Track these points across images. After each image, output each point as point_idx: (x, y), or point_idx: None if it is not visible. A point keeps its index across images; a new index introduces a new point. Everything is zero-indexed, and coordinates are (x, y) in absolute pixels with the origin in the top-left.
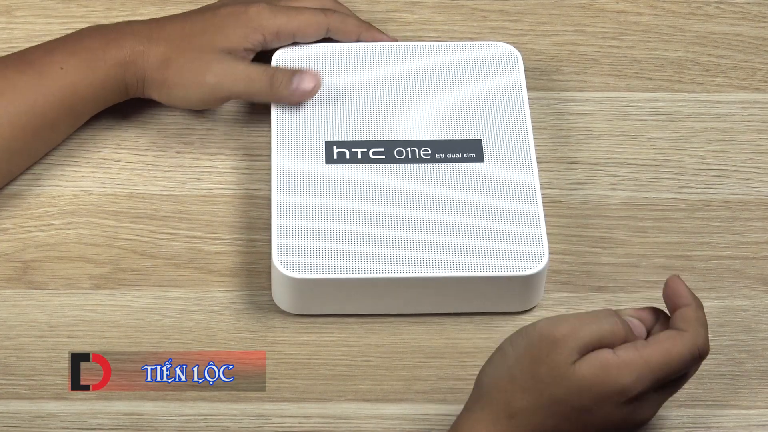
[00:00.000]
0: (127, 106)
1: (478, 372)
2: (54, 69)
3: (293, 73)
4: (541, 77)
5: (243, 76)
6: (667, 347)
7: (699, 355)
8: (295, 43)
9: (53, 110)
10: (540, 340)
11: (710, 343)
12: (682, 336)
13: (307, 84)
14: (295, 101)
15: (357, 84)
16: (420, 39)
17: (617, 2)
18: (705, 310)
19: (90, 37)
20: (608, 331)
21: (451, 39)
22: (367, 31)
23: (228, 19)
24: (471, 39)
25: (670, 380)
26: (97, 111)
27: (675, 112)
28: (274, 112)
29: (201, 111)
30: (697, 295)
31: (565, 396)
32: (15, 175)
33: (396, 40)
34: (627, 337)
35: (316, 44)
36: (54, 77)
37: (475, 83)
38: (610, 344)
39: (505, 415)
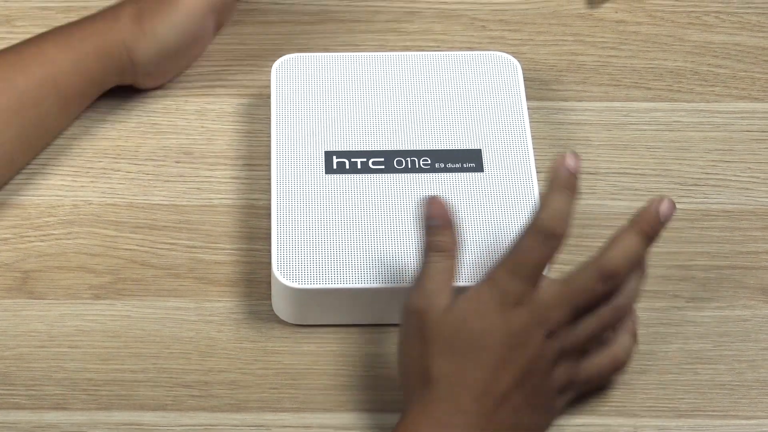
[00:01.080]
0: (127, 116)
1: None
2: (32, 49)
3: None
4: (540, 87)
5: None
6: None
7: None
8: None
9: (35, 88)
10: (410, 318)
11: (711, 353)
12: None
13: None
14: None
15: (357, 94)
16: (420, 48)
17: (616, 12)
18: (705, 320)
19: (69, 24)
20: (440, 263)
21: (451, 49)
22: None
23: None
24: (470, 48)
25: (539, 273)
26: (89, 93)
27: (674, 121)
28: (274, 123)
29: (201, 119)
30: (696, 304)
31: (455, 330)
32: (10, 168)
33: None
34: (447, 244)
35: (316, 54)
36: (33, 56)
37: (475, 93)
38: (449, 268)
39: (431, 390)
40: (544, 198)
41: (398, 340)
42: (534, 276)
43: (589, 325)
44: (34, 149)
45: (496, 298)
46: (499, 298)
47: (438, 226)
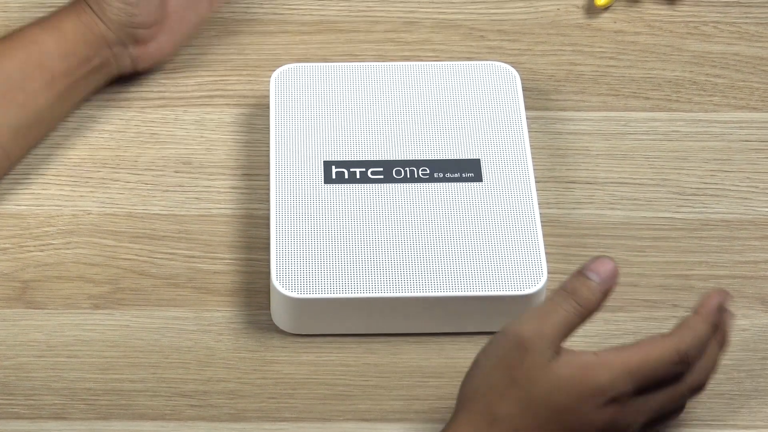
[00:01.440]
0: (127, 126)
1: None
2: (14, 37)
3: None
4: (539, 97)
5: None
6: (646, 348)
7: (680, 360)
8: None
9: (19, 68)
10: (510, 346)
11: None
12: (664, 338)
13: None
14: None
15: (356, 104)
16: (418, 59)
17: (615, 22)
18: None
19: (50, 12)
20: (571, 313)
21: (450, 59)
22: None
23: None
24: (469, 58)
25: (654, 385)
26: (77, 72)
27: (673, 131)
28: (274, 132)
29: (200, 129)
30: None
31: (545, 395)
32: (9, 162)
33: None
34: (590, 303)
35: (315, 64)
36: (17, 39)
37: (474, 103)
38: (575, 324)
39: (486, 421)
40: (692, 321)
41: (483, 353)
42: (645, 388)
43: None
44: (28, 139)
45: (599, 385)
46: (601, 389)
47: (593, 281)
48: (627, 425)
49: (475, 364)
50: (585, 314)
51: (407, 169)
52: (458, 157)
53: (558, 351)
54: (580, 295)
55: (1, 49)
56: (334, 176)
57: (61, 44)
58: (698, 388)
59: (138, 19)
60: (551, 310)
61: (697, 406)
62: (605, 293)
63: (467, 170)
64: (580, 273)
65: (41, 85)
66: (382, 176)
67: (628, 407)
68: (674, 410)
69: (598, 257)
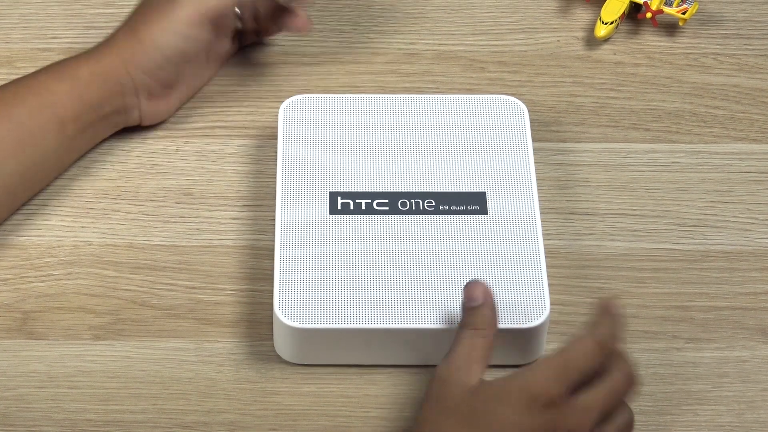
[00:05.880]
0: (128, 157)
1: None
2: (29, 81)
3: None
4: (539, 128)
5: None
6: (565, 347)
7: (599, 349)
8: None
9: (35, 118)
10: (434, 385)
11: (708, 395)
12: (579, 335)
13: None
14: None
15: (363, 135)
16: (419, 90)
17: (615, 54)
18: (704, 361)
19: (64, 59)
20: (472, 337)
21: (450, 90)
22: None
23: None
24: (470, 90)
25: (583, 380)
26: (87, 119)
27: (673, 162)
28: (280, 162)
29: (201, 160)
30: (696, 345)
31: (480, 411)
32: (12, 203)
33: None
34: (483, 324)
35: (322, 96)
36: (30, 87)
37: (481, 136)
38: (481, 345)
39: None
40: (599, 317)
41: (423, 402)
42: (576, 384)
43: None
44: (35, 183)
45: (530, 392)
46: (534, 395)
47: (478, 306)
48: (573, 427)
49: (417, 416)
50: (484, 333)
51: (413, 201)
52: (464, 190)
53: (479, 378)
54: (472, 322)
55: (16, 97)
56: (339, 207)
57: (77, 94)
58: (632, 382)
59: (163, 74)
60: (455, 344)
61: None
62: (490, 307)
63: (473, 203)
64: (464, 308)
65: (51, 133)
66: (387, 208)
67: (567, 409)
68: (621, 414)
69: (466, 285)
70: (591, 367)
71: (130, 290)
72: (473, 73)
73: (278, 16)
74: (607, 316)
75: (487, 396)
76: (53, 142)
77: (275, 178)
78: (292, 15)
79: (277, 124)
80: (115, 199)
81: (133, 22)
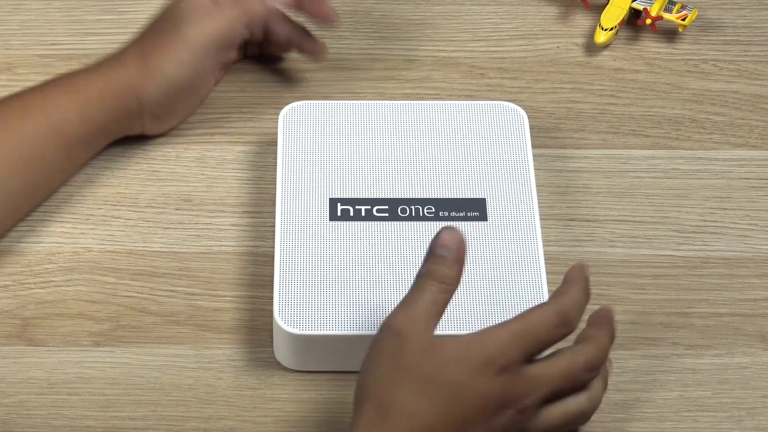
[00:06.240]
0: (128, 164)
1: None
2: (37, 96)
3: None
4: (539, 134)
5: (218, 18)
6: (527, 315)
7: (560, 321)
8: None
9: (41, 136)
10: (387, 338)
11: (710, 401)
12: (542, 304)
13: None
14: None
15: (362, 141)
16: (419, 96)
17: (614, 60)
18: (704, 368)
19: (72, 72)
20: (435, 293)
21: (450, 96)
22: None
23: (183, 5)
24: (469, 96)
25: (541, 350)
26: (93, 139)
27: (672, 169)
28: (280, 169)
29: (201, 167)
30: (696, 352)
31: (434, 374)
32: (15, 217)
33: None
34: (449, 278)
35: (322, 102)
36: (37, 104)
37: (481, 143)
38: (442, 301)
39: (380, 414)
40: (565, 288)
41: (367, 354)
42: (532, 354)
43: (557, 412)
44: (38, 197)
45: (486, 356)
46: (489, 359)
47: (446, 257)
48: (521, 396)
49: (362, 366)
50: (448, 289)
51: (413, 207)
52: (464, 196)
53: (433, 335)
54: (439, 274)
55: (24, 114)
56: (339, 214)
57: (85, 113)
58: (592, 367)
59: (170, 102)
60: (416, 295)
61: None
62: (460, 262)
63: (472, 209)
64: (432, 252)
65: (58, 152)
66: (387, 214)
67: (520, 376)
68: (575, 400)
69: (442, 229)
70: (550, 336)
71: (129, 297)
72: (473, 80)
73: (292, 36)
74: (573, 286)
75: (442, 356)
76: (59, 160)
77: (275, 184)
78: (308, 39)
79: (276, 131)
80: (115, 205)
81: (143, 45)
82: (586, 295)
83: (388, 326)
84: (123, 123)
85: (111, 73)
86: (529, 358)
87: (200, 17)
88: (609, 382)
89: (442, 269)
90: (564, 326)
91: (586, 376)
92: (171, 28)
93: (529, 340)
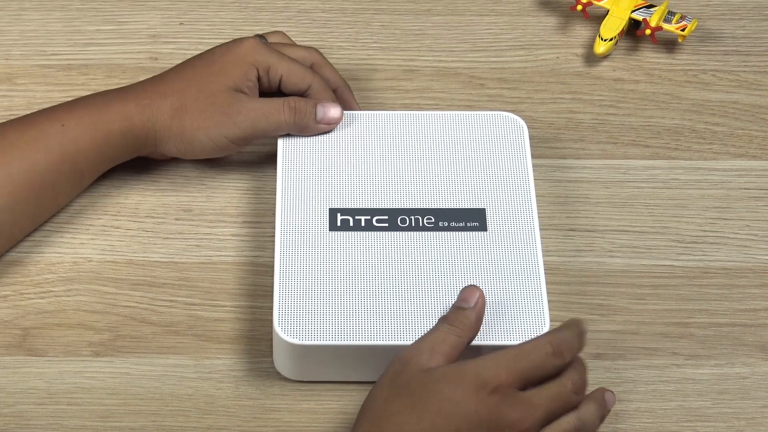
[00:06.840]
0: (127, 174)
1: None
2: (55, 127)
3: (315, 103)
4: (539, 144)
5: (264, 112)
6: (522, 343)
7: (553, 351)
8: (280, 92)
9: (55, 168)
10: (393, 364)
11: (710, 411)
12: (538, 336)
13: (333, 112)
14: (322, 130)
15: (362, 152)
16: (418, 107)
17: (614, 70)
18: (704, 378)
19: (93, 98)
20: (445, 332)
21: (450, 107)
22: (338, 101)
23: (226, 58)
24: (469, 107)
25: (535, 379)
26: (103, 169)
27: (672, 179)
28: (280, 179)
29: (201, 177)
30: (695, 362)
31: (429, 393)
32: (18, 238)
33: (359, 109)
34: (463, 325)
35: None
36: (54, 135)
37: (481, 153)
38: (452, 342)
39: (373, 424)
40: (561, 327)
41: (378, 379)
42: (526, 380)
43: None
44: (43, 219)
45: (479, 376)
46: (482, 379)
47: (464, 308)
48: (519, 419)
49: (369, 392)
50: (460, 333)
51: (412, 217)
52: (463, 207)
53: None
54: (452, 318)
55: (40, 144)
56: (339, 224)
57: (102, 150)
58: (580, 387)
59: (187, 155)
60: (427, 333)
61: None
62: (477, 313)
63: (472, 219)
64: (454, 306)
65: (70, 181)
66: (387, 224)
67: (513, 399)
68: (567, 420)
69: (465, 288)
70: (543, 364)
71: (129, 307)
72: (472, 90)
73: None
74: (570, 328)
75: (438, 376)
76: (68, 188)
77: (275, 194)
78: (329, 104)
79: (276, 141)
80: (115, 215)
81: (185, 99)
82: (581, 340)
83: (398, 356)
84: (133, 155)
85: (138, 115)
86: (523, 385)
87: (255, 108)
88: None
89: (457, 315)
90: (556, 356)
91: (576, 399)
92: (222, 103)
93: (522, 364)
